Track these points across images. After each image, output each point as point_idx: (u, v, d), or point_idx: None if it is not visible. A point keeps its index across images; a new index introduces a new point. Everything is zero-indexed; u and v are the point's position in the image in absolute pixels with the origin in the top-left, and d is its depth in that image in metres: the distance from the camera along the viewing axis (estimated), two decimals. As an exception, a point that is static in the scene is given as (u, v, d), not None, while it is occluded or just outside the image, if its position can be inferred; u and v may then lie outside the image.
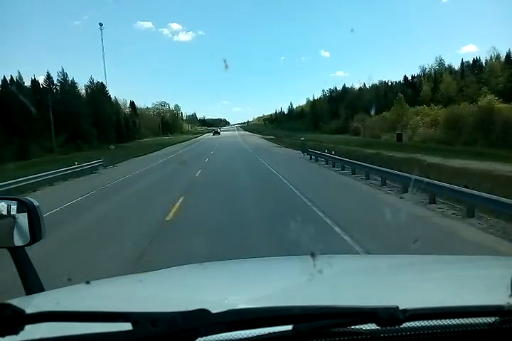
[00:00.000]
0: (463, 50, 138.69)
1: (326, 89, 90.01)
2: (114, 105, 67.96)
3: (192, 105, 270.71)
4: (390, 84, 72.27)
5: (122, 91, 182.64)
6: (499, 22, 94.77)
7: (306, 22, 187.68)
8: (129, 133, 62.71)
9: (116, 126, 56.41)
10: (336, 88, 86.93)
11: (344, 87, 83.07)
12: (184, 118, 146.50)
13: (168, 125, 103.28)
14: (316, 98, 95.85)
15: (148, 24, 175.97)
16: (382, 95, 67.26)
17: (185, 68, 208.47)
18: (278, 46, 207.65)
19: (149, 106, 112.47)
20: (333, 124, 71.04)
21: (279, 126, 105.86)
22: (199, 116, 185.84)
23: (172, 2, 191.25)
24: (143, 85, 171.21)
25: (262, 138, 61.48)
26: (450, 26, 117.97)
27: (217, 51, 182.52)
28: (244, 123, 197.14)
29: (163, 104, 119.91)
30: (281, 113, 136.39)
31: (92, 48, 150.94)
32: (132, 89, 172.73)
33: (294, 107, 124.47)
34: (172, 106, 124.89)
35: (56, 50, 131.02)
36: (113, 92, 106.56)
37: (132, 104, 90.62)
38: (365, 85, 77.05)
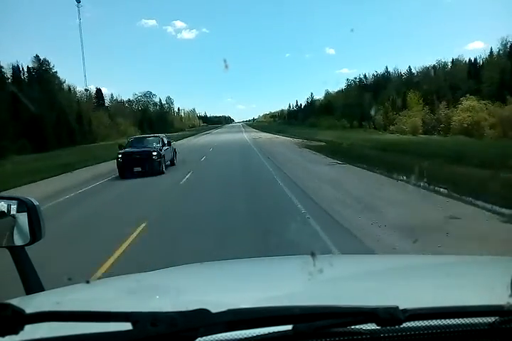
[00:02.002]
0: (469, 47, 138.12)
1: (351, 78, 77.93)
2: (64, 93, 48.09)
3: (196, 103, 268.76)
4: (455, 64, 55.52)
5: (122, 90, 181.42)
6: (505, 17, 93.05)
7: (311, 19, 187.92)
8: (65, 134, 39.75)
9: (37, 123, 33.80)
10: (365, 75, 73.66)
11: (384, 73, 67.71)
12: (182, 114, 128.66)
13: (152, 121, 79.48)
14: (334, 90, 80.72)
15: (153, 22, 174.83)
16: (464, 77, 49.44)
17: (189, 66, 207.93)
18: (282, 43, 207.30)
19: (130, 97, 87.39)
20: (404, 118, 45.52)
21: (296, 123, 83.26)
22: (203, 114, 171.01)
23: (175, 1, 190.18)
24: (145, 84, 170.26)
25: (309, 148, 23.54)
26: (456, 22, 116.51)
27: (221, 49, 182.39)
28: (249, 120, 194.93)
29: (149, 94, 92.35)
30: (298, 107, 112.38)
31: (94, 46, 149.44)
32: (133, 88, 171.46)
33: (307, 100, 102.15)
34: (163, 99, 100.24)
35: (58, 49, 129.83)
36: (114, 90, 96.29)
37: (99, 92, 65.67)
38: (410, 70, 62.14)
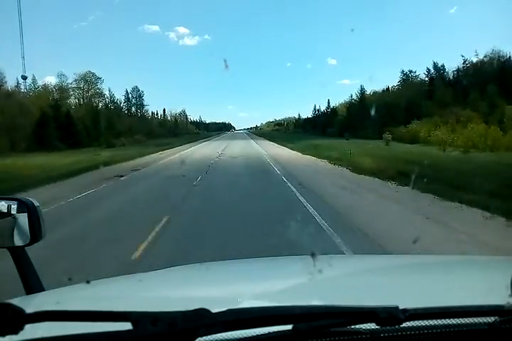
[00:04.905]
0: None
1: (418, 71, 53.91)
2: None
3: (197, 110, 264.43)
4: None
5: (121, 93, 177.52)
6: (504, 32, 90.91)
7: (314, 29, 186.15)
8: None
9: None
10: (429, 70, 52.06)
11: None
12: (168, 117, 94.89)
13: (72, 124, 41.29)
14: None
15: (156, 27, 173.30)
16: None
17: (190, 73, 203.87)
18: (284, 53, 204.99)
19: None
20: None
21: (329, 134, 56.92)
22: (197, 119, 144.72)
23: (179, 7, 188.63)
24: (145, 88, 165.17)
25: None
26: (457, 36, 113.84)
27: (222, 56, 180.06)
28: (251, 128, 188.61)
29: (91, 78, 54.68)
30: (328, 111, 77.34)
31: (96, 49, 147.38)
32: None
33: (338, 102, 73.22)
34: (107, 87, 62.69)
35: (60, 51, 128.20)
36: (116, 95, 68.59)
37: None
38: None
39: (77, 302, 1.03)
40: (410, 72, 57.05)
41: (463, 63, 50.44)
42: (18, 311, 0.57)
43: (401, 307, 0.65)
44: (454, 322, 0.71)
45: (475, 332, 0.72)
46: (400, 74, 58.21)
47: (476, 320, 0.72)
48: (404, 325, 0.67)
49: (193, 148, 37.28)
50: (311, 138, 49.24)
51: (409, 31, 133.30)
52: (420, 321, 0.70)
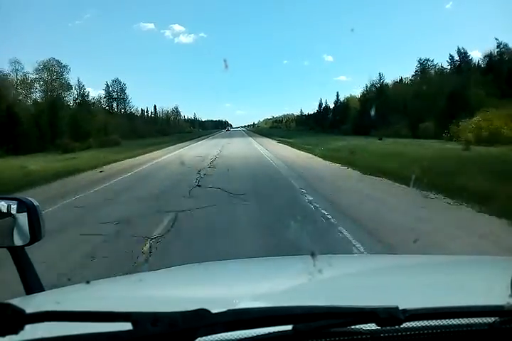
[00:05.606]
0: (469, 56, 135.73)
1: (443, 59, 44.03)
2: None
3: (194, 108, 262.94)
4: None
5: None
6: (503, 28, 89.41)
7: (310, 26, 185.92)
8: None
9: None
10: (499, 51, 42.38)
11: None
12: (160, 115, 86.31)
13: (15, 124, 31.40)
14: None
15: (151, 25, 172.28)
16: None
17: (186, 71, 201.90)
18: (280, 50, 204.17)
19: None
20: None
21: (342, 131, 49.29)
22: (192, 116, 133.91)
23: (175, 5, 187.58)
24: (143, 88, 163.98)
25: None
26: (455, 32, 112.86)
27: (218, 54, 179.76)
28: (249, 125, 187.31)
29: (54, 66, 44.27)
30: (337, 104, 65.64)
31: (93, 48, 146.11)
32: (128, 91, 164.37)
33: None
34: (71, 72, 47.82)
35: (56, 50, 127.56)
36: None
37: None
38: None
39: (77, 303, 1.03)
40: (427, 60, 50.24)
41: (497, 47, 43.23)
42: (18, 311, 0.57)
43: (401, 307, 0.65)
44: (454, 323, 0.71)
45: (475, 333, 0.72)
46: (416, 63, 51.33)
47: (476, 320, 0.72)
48: (404, 325, 0.67)
49: (173, 153, 24.37)
50: (324, 136, 40.10)
51: (405, 26, 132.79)
52: (420, 321, 0.70)
